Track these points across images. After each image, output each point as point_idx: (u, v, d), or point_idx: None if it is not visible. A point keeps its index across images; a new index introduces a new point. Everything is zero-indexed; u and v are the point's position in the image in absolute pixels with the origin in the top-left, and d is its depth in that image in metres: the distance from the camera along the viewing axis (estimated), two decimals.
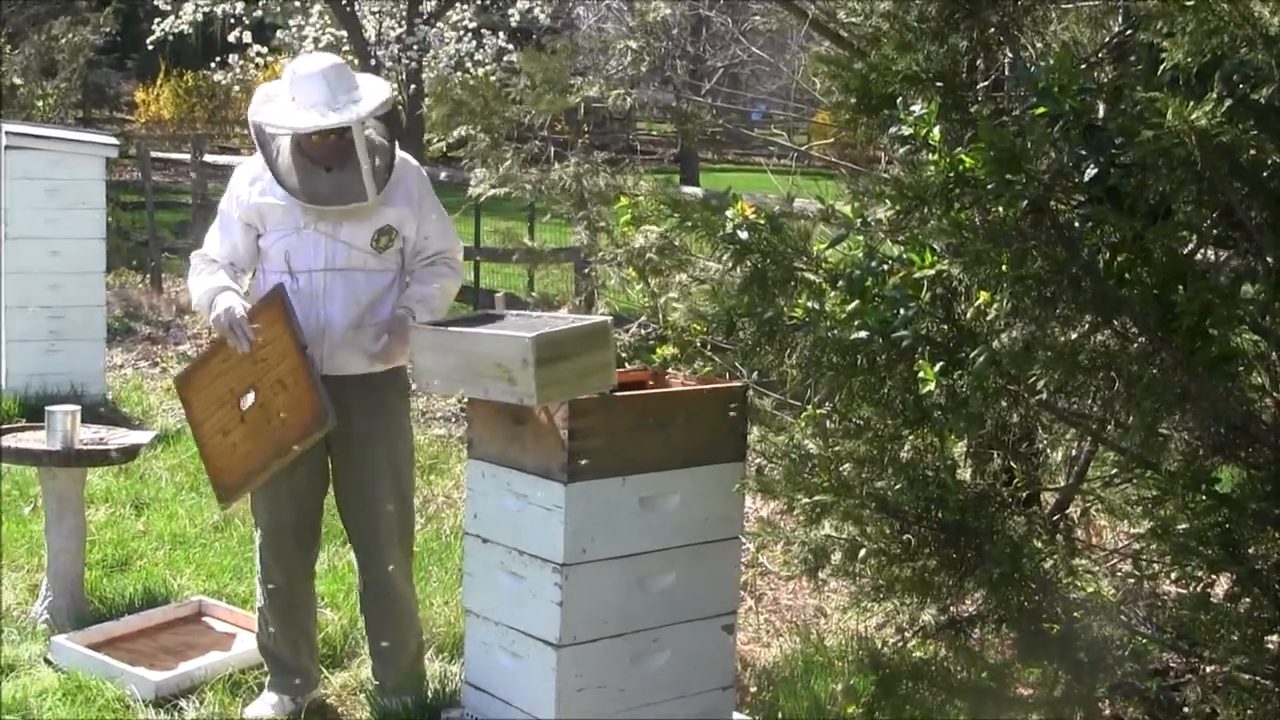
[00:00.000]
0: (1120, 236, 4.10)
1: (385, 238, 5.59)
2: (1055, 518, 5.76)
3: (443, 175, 15.86)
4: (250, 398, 5.48)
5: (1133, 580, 5.23)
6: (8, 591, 6.99)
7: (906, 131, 4.45)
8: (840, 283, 4.57)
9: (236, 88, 29.98)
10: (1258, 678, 4.42)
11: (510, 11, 24.67)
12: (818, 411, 5.22)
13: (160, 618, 6.72)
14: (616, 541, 5.00)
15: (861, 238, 4.74)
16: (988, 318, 4.35)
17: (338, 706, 5.98)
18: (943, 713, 4.97)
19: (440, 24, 24.47)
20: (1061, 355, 4.14)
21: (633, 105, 7.32)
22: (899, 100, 4.50)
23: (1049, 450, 5.80)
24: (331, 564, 7.19)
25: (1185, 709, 4.86)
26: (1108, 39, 5.47)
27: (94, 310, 11.43)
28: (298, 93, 5.45)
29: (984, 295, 4.38)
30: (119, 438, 6.96)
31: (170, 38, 24.52)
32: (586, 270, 8.76)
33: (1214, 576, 4.65)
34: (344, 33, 23.61)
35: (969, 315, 4.46)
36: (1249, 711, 4.45)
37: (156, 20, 24.33)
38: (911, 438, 4.94)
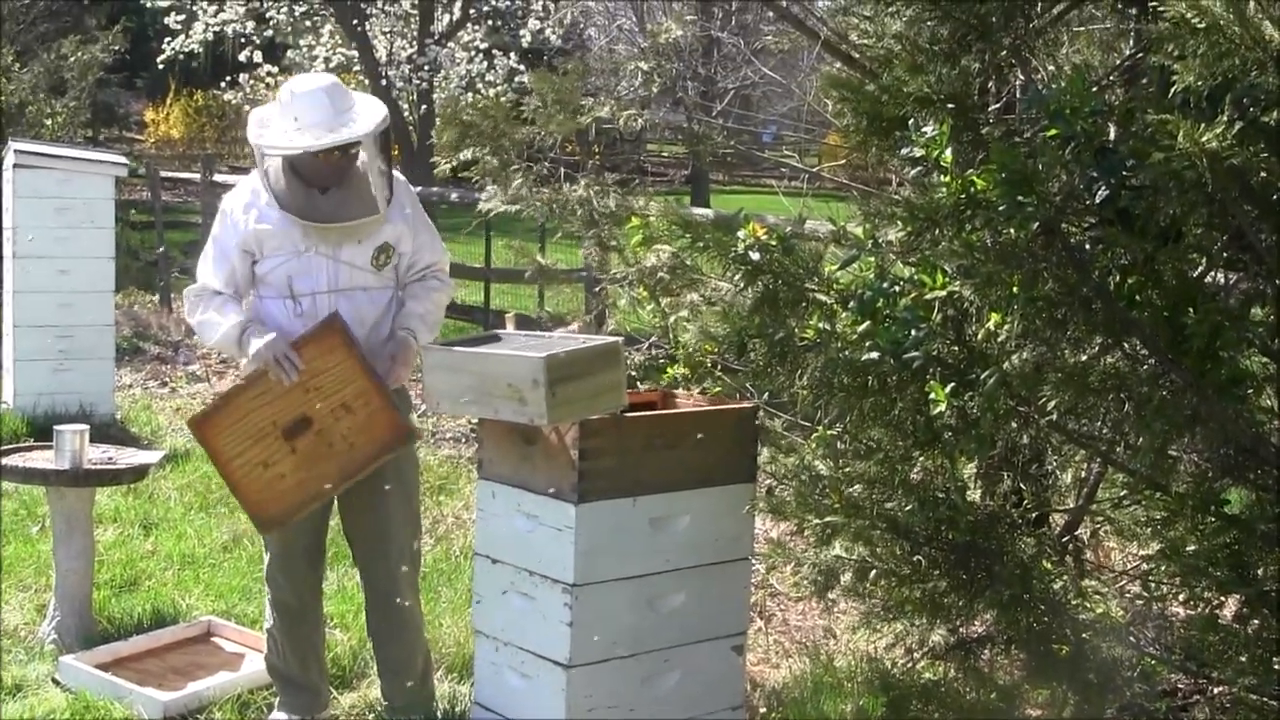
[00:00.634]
0: (1131, 258, 4.11)
1: (384, 255, 5.59)
2: (1065, 539, 5.75)
3: (454, 195, 15.89)
4: (300, 426, 5.47)
5: (1142, 601, 5.22)
6: (15, 612, 6.99)
7: (918, 153, 4.46)
8: (851, 304, 4.58)
9: (247, 107, 29.98)
10: (1266, 699, 4.42)
11: (521, 32, 24.72)
12: (828, 432, 5.22)
13: (169, 638, 6.71)
14: (627, 562, 5.00)
15: (873, 259, 4.74)
16: (999, 339, 4.36)
17: None
18: None
19: (451, 44, 24.52)
20: (1072, 377, 4.14)
21: (644, 126, 7.34)
22: (910, 122, 4.50)
23: (1059, 472, 5.80)
24: (340, 584, 7.18)
25: None
26: (1119, 62, 5.47)
27: (103, 330, 11.42)
28: (299, 112, 5.41)
29: (995, 317, 4.39)
30: (128, 457, 6.95)
31: (180, 57, 24.58)
32: (597, 290, 8.77)
33: (1223, 598, 4.65)
34: (355, 53, 23.65)
35: (980, 336, 4.47)
36: None
37: (167, 39, 24.41)
38: (922, 459, 4.95)
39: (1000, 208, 4.06)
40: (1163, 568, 4.82)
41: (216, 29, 24.15)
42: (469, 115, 7.22)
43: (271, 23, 24.17)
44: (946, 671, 5.58)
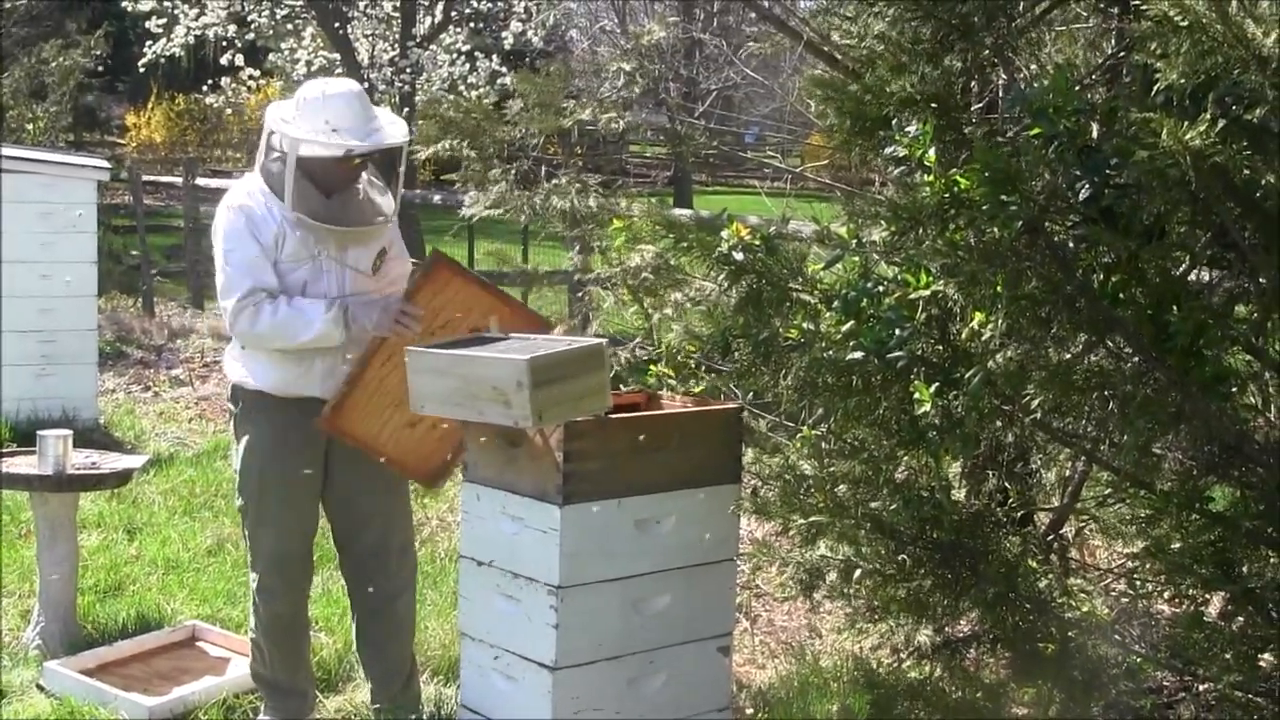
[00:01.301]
0: (1115, 257, 4.12)
1: (380, 259, 5.58)
2: (1050, 537, 5.76)
3: (436, 198, 15.88)
4: None
5: (1127, 599, 5.24)
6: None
7: (901, 152, 4.46)
8: (835, 303, 4.58)
9: (229, 111, 30.00)
10: (1251, 696, 4.43)
11: (504, 34, 24.70)
12: (813, 432, 5.23)
13: (153, 643, 6.70)
14: (612, 563, 4.99)
15: (857, 259, 4.75)
16: (983, 338, 4.36)
17: None
18: None
19: (433, 47, 24.50)
20: (1056, 375, 4.15)
21: (626, 127, 7.33)
22: (893, 122, 4.51)
23: (1043, 470, 5.81)
24: (325, 588, 7.17)
25: None
26: (1102, 60, 5.48)
27: (86, 334, 11.37)
28: (332, 114, 5.34)
29: (979, 315, 4.39)
30: (111, 462, 6.94)
31: (162, 61, 24.49)
32: (580, 294, 8.76)
33: (1208, 595, 4.66)
34: (337, 55, 23.62)
35: (964, 336, 4.47)
36: None
37: (148, 43, 24.33)
38: (907, 458, 4.95)
39: (984, 207, 4.07)
40: (1148, 566, 4.84)
41: (198, 32, 24.07)
42: (451, 113, 7.22)
43: (253, 26, 24.11)
44: (932, 671, 5.58)
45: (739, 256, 4.86)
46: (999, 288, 4.16)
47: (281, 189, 5.39)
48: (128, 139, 37.07)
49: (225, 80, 26.05)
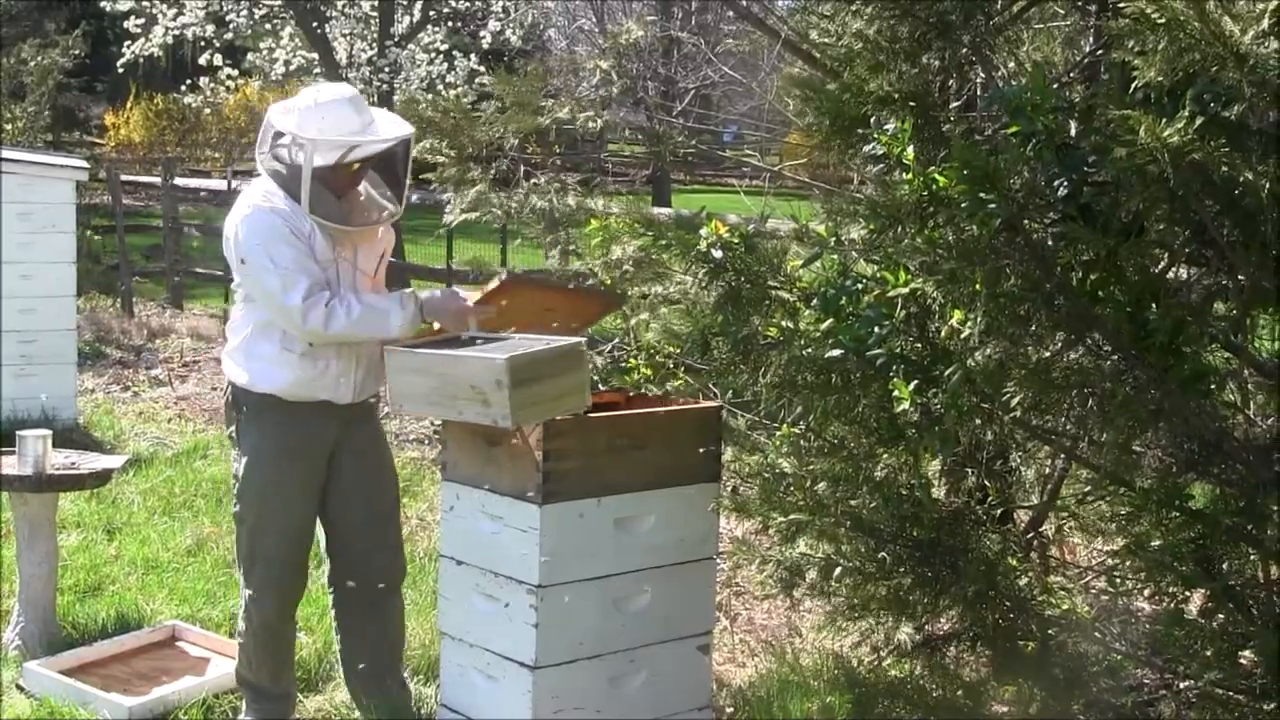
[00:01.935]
0: (1093, 254, 4.12)
1: (380, 260, 5.58)
2: (1029, 535, 5.77)
3: (414, 197, 15.84)
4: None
5: (1107, 597, 5.25)
6: None
7: (880, 151, 4.46)
8: (814, 301, 4.58)
9: (207, 111, 29.91)
10: (1232, 693, 4.43)
11: (482, 34, 24.67)
12: (792, 430, 5.23)
13: (133, 643, 6.68)
14: (592, 563, 5.00)
15: (836, 257, 4.75)
16: (962, 336, 4.36)
17: None
18: None
19: (412, 46, 24.46)
20: (1035, 373, 4.16)
21: (604, 126, 7.33)
22: (872, 120, 4.51)
23: (1023, 468, 5.82)
24: (308, 587, 7.15)
25: None
26: (1080, 58, 5.49)
27: (65, 334, 11.35)
28: (338, 118, 5.31)
29: (958, 313, 4.39)
30: (90, 462, 6.92)
31: (140, 60, 24.42)
32: None
33: (1188, 593, 4.66)
34: (315, 55, 23.58)
35: (943, 333, 4.48)
36: None
37: (126, 43, 24.24)
38: (886, 456, 4.96)
39: (962, 205, 4.07)
40: (1127, 563, 4.84)
41: (176, 32, 24.00)
42: (429, 113, 7.21)
43: (231, 26, 24.05)
44: (912, 669, 5.58)
45: (718, 254, 4.87)
46: (978, 285, 4.17)
47: (297, 193, 5.30)
48: (106, 139, 37.02)
49: (204, 80, 25.97)
